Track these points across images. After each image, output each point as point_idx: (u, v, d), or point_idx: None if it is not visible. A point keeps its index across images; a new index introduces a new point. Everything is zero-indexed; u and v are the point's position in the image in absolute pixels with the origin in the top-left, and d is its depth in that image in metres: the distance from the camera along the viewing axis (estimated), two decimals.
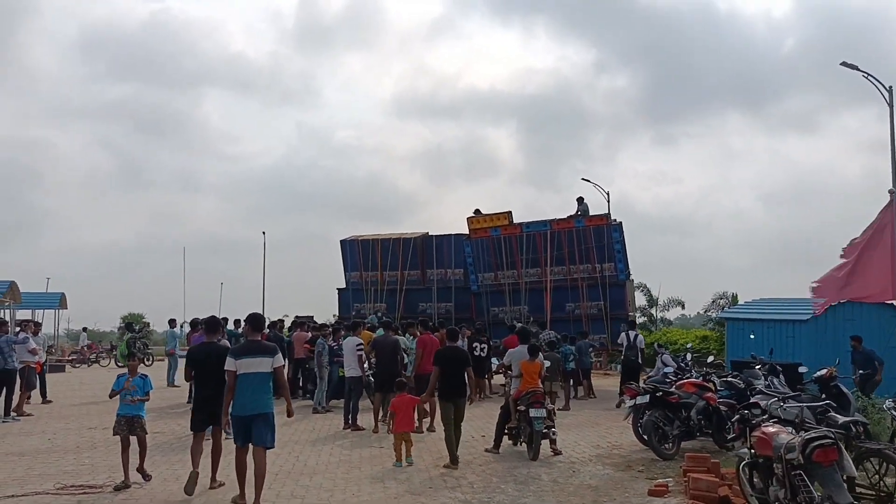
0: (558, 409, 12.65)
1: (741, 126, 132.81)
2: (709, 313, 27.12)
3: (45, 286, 33.68)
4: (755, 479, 6.80)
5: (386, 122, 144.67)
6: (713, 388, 10.94)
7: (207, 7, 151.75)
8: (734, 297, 25.42)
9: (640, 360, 17.00)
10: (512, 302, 21.63)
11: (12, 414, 13.47)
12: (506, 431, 10.55)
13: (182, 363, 17.80)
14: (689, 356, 13.35)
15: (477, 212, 22.63)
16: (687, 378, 11.30)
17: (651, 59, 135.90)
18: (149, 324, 18.31)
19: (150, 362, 25.20)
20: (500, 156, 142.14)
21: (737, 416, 9.79)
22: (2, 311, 25.87)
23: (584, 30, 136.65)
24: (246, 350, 7.45)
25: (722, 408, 10.71)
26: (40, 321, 21.07)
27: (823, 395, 10.80)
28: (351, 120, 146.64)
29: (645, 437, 10.21)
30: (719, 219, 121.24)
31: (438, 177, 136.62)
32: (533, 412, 9.85)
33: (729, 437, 10.16)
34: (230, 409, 7.37)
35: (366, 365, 14.44)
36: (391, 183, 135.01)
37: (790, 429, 6.67)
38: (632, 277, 21.22)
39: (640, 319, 25.47)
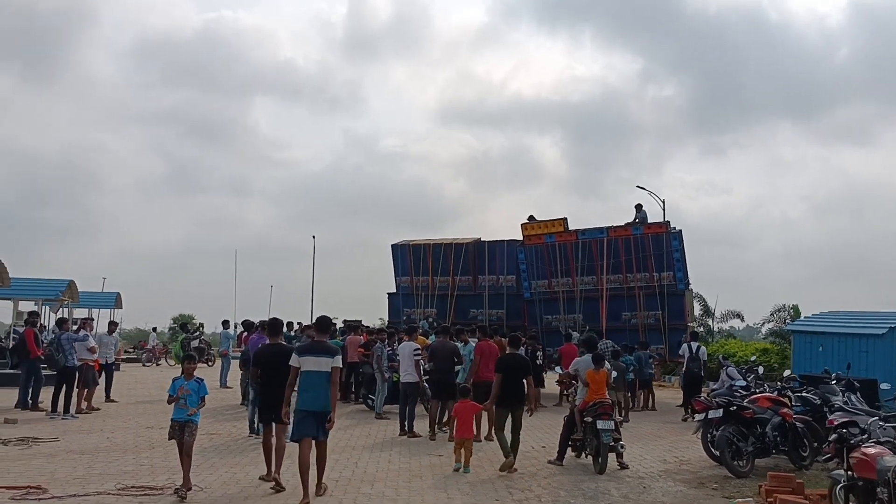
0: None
1: (792, 136, 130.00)
2: (767, 325, 26.37)
3: (101, 286, 34.41)
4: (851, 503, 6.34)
5: (430, 129, 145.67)
6: (789, 404, 10.41)
7: (258, 15, 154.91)
8: (795, 309, 24.53)
9: (702, 373, 16.43)
10: (566, 310, 21.14)
11: (71, 411, 13.57)
12: (570, 443, 10.17)
13: (235, 364, 17.94)
14: (760, 369, 12.75)
15: (531, 218, 22.24)
16: (760, 392, 10.76)
17: (699, 68, 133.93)
18: (202, 325, 18.33)
19: (213, 363, 25.51)
20: (545, 164, 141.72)
21: (833, 436, 9.27)
22: (61, 309, 26.40)
23: (631, 39, 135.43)
24: (310, 349, 7.78)
25: (798, 425, 10.19)
26: (93, 318, 21.36)
27: None
28: (396, 127, 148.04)
29: (717, 452, 9.73)
30: (769, 230, 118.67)
31: (483, 184, 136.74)
32: (601, 424, 9.47)
33: (823, 457, 9.57)
34: (294, 404, 7.66)
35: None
36: (435, 190, 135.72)
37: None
38: (691, 287, 20.57)
39: (698, 330, 24.66)
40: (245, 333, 16.55)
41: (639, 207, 21.34)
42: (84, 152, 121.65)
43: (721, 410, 9.86)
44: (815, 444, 10.31)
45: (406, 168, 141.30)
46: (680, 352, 17.39)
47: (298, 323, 20.47)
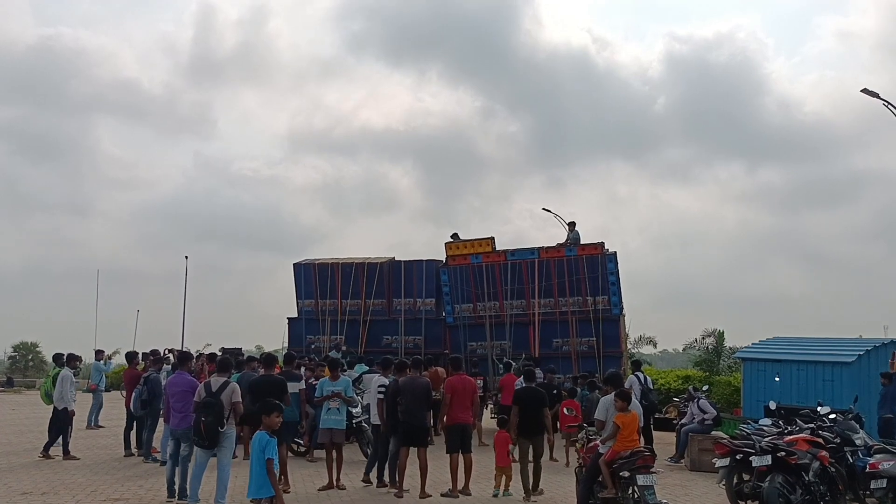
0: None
1: (625, 174, 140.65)
2: (690, 351, 25.96)
3: None
4: None
5: (283, 154, 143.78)
6: (825, 445, 9.21)
7: (100, 35, 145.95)
8: (720, 335, 24.32)
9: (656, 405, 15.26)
10: (493, 336, 19.52)
11: None
12: (593, 501, 8.39)
13: (108, 402, 14.87)
14: (771, 403, 11.58)
15: (455, 236, 20.50)
16: (794, 432, 9.49)
17: (537, 108, 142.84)
18: (81, 358, 15.01)
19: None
20: (400, 192, 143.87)
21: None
22: None
23: (474, 77, 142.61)
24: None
25: (831, 469, 9.01)
26: None
27: None
28: (248, 152, 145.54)
29: None
30: None
31: (339, 210, 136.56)
32: (642, 479, 7.79)
33: None
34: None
35: (358, 409, 12.35)
36: (292, 215, 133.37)
37: None
38: (624, 312, 19.56)
39: None
40: (146, 366, 13.49)
41: (572, 226, 20.21)
42: None
43: (769, 457, 8.47)
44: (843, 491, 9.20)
45: (261, 192, 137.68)
46: (627, 384, 16.12)
47: (170, 350, 17.58)
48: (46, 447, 12.32)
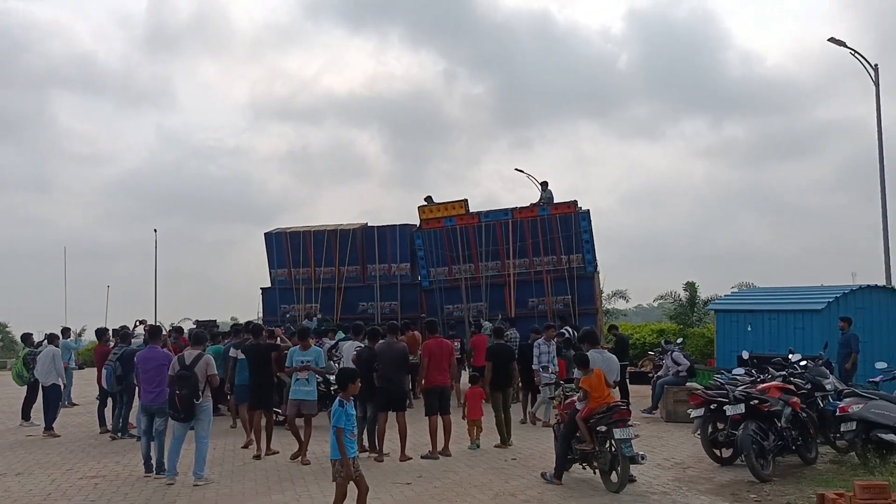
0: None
1: (592, 133, 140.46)
2: (661, 303, 26.26)
3: None
4: None
5: (246, 124, 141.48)
6: (796, 392, 9.37)
7: (52, 8, 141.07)
8: (692, 287, 24.56)
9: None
10: (469, 298, 19.54)
11: None
12: (572, 456, 8.48)
13: (79, 379, 14.82)
14: (744, 353, 11.75)
15: (428, 199, 20.35)
16: (764, 379, 9.63)
17: (499, 69, 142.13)
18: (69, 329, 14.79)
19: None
20: (368, 158, 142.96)
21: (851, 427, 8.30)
22: None
23: (435, 40, 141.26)
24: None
25: (802, 415, 9.18)
26: None
27: None
28: (211, 122, 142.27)
29: (743, 454, 8.45)
30: None
31: (308, 178, 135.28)
32: (619, 433, 7.85)
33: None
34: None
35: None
36: (260, 184, 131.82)
37: None
38: (598, 270, 19.66)
39: None
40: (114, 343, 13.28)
41: (544, 186, 20.14)
42: None
43: (742, 406, 8.59)
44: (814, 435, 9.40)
45: (226, 162, 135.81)
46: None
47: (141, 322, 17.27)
48: (48, 426, 12.33)
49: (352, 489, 6.55)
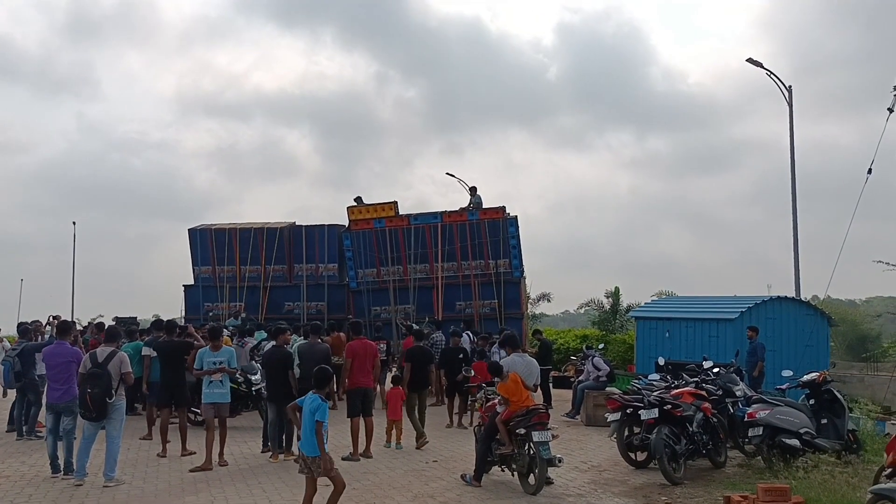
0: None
1: (521, 140, 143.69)
2: (585, 310, 26.87)
3: None
4: None
5: (172, 118, 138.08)
6: (708, 398, 9.72)
7: None
8: (616, 293, 25.19)
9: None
10: (397, 300, 19.53)
11: None
12: (492, 458, 8.57)
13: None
14: (660, 359, 12.11)
15: (358, 200, 20.25)
16: (679, 385, 9.96)
17: (431, 74, 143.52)
18: None
19: None
20: (298, 157, 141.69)
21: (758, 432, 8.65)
22: None
23: (368, 41, 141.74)
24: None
25: (712, 420, 9.54)
26: None
27: (812, 402, 9.99)
28: (135, 114, 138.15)
29: (656, 457, 8.71)
30: None
31: (236, 175, 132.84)
32: (537, 436, 7.98)
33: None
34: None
35: (257, 376, 12.18)
36: (185, 180, 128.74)
37: None
38: (525, 275, 19.96)
39: None
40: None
41: (473, 191, 20.33)
42: None
43: (656, 410, 8.86)
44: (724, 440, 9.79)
45: (150, 156, 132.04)
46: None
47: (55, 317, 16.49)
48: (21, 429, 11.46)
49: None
